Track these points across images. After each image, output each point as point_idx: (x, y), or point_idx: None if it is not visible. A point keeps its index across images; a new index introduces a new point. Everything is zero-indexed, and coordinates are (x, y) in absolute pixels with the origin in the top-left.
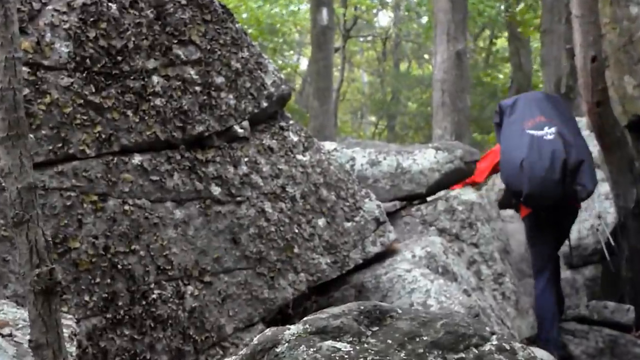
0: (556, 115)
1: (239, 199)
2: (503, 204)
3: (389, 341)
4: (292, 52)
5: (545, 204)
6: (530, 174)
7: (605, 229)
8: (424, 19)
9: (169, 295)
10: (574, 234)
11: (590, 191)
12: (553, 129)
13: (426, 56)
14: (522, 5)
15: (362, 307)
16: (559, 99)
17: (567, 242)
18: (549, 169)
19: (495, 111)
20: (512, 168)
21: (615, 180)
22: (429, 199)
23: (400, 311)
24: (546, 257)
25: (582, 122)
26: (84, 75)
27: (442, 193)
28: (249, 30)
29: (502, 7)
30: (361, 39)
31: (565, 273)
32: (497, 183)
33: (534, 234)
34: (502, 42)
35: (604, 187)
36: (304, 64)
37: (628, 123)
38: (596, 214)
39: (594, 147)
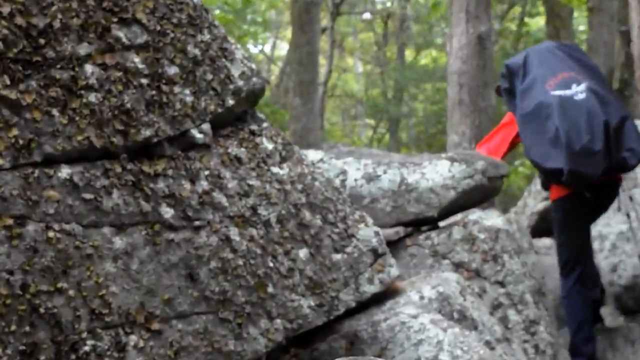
0: (581, 68)
1: (197, 223)
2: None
3: None
4: (266, 34)
5: (591, 181)
6: (567, 146)
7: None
8: None
9: (106, 347)
10: (628, 269)
11: None
12: (583, 86)
13: (439, 41)
14: None
15: None
16: (576, 48)
17: (616, 279)
18: (589, 136)
19: (501, 74)
20: (542, 141)
21: None
22: (441, 224)
23: None
24: (581, 251)
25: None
26: None
27: (458, 217)
28: (215, 12)
29: None
30: (355, 17)
31: (616, 321)
32: (530, 205)
33: (570, 221)
34: (537, 23)
35: None
36: (282, 50)
37: None
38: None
39: None
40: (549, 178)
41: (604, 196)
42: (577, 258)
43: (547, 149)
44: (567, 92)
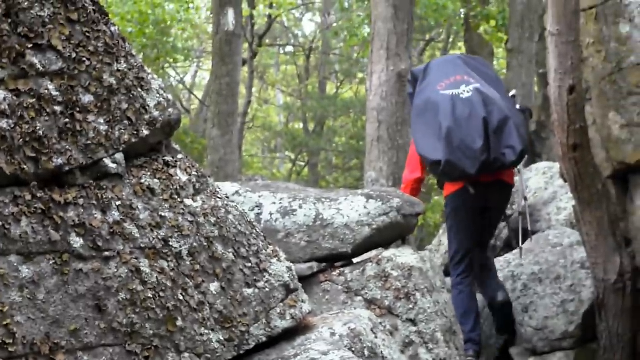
0: (476, 74)
1: (106, 254)
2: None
3: None
4: (187, 63)
5: (467, 174)
6: (447, 139)
7: (526, 213)
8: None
9: None
10: (539, 311)
11: (520, 152)
12: (471, 87)
13: (361, 75)
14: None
15: None
16: (480, 59)
17: (527, 320)
18: (468, 132)
19: (407, 80)
20: (429, 135)
21: (594, 245)
22: (355, 260)
23: None
24: (467, 248)
25: (555, 168)
26: None
27: (372, 254)
28: (129, 30)
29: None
30: (280, 50)
31: None
32: (445, 242)
33: (457, 217)
34: None
35: (578, 254)
36: (203, 77)
37: (612, 173)
38: (522, 195)
39: (568, 201)
40: (433, 170)
41: (492, 197)
42: (463, 254)
43: (434, 142)
44: (455, 92)
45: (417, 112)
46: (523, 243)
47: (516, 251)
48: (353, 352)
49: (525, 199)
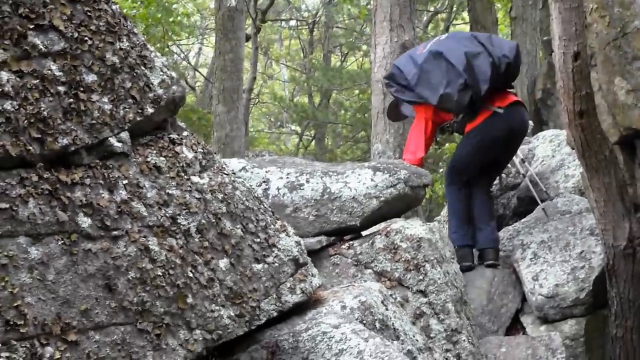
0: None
1: (115, 233)
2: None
3: None
4: (191, 40)
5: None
6: (468, 65)
7: (531, 171)
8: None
9: (21, 359)
10: (549, 279)
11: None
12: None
13: (365, 47)
14: None
15: None
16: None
17: (537, 288)
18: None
19: (388, 83)
20: (441, 80)
21: (602, 212)
22: (364, 233)
23: None
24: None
25: (562, 136)
26: None
27: (381, 226)
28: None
29: None
30: (283, 25)
31: (538, 330)
32: None
33: (481, 144)
34: (460, 30)
35: (587, 220)
36: (207, 54)
37: (619, 138)
38: (520, 157)
39: (575, 168)
40: (461, 100)
41: (515, 119)
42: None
43: (448, 81)
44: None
45: (423, 67)
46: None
47: (525, 219)
48: (364, 324)
49: (524, 160)
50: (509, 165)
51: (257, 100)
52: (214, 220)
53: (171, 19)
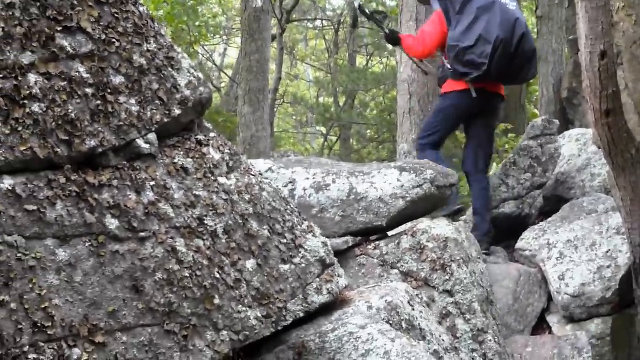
0: None
1: (142, 234)
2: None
3: None
4: (217, 40)
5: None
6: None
7: None
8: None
9: None
10: (575, 278)
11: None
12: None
13: (391, 47)
14: None
15: None
16: None
17: (564, 288)
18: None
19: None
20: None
21: (629, 211)
22: (390, 233)
23: None
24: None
25: (588, 135)
26: None
27: (407, 226)
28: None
29: None
30: (308, 25)
31: (564, 329)
32: None
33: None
34: None
35: (614, 220)
36: (232, 55)
37: None
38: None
39: (602, 167)
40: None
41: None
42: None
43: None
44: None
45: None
46: None
47: (551, 219)
48: (391, 324)
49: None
50: (535, 164)
51: (282, 100)
52: (241, 222)
53: (197, 23)
